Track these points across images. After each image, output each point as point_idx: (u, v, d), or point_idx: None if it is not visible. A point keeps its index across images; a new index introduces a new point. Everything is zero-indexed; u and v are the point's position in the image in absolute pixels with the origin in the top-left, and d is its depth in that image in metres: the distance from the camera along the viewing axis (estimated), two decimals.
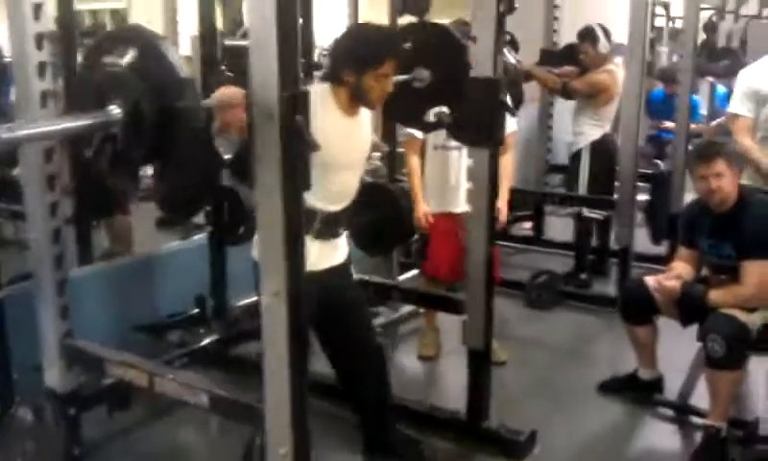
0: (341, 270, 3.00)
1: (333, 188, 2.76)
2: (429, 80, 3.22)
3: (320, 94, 2.63)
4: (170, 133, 2.13)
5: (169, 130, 2.13)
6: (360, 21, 5.93)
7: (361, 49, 2.74)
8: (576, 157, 5.32)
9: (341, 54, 2.77)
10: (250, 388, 2.54)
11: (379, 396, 3.15)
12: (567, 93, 5.43)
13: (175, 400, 2.69)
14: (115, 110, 2.14)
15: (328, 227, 2.86)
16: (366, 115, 2.95)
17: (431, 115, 3.20)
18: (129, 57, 2.13)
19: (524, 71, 5.45)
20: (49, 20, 2.76)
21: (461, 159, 3.97)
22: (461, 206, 4.01)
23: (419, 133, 3.98)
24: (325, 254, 2.85)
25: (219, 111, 2.39)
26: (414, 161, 4.10)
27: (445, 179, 4.03)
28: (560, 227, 6.15)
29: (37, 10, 2.62)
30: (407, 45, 3.07)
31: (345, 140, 2.77)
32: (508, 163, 4.11)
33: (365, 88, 2.73)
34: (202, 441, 3.49)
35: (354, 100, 2.79)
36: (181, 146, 2.15)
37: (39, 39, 2.64)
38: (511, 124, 4.10)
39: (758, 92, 3.92)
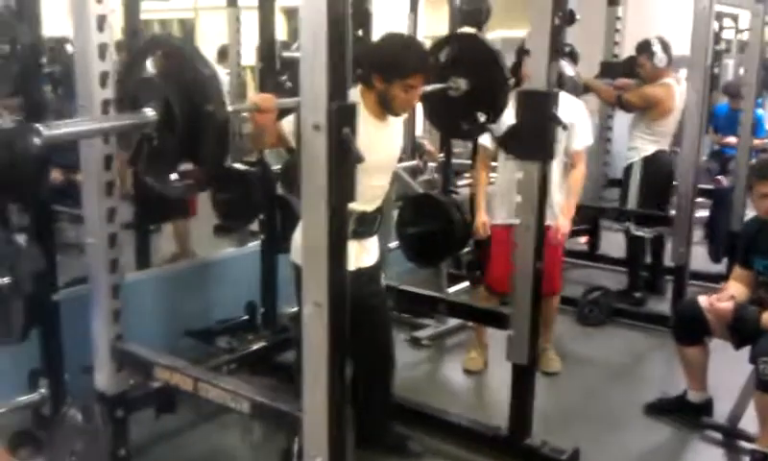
0: (369, 273, 3.09)
1: (363, 189, 2.77)
2: (465, 88, 3.29)
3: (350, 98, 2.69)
4: (198, 131, 2.24)
5: (198, 128, 2.24)
6: (421, 33, 5.99)
7: (390, 59, 2.82)
8: (628, 171, 5.26)
9: (373, 59, 2.87)
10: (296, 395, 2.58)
11: (383, 400, 3.33)
12: (622, 105, 5.36)
13: (220, 405, 2.73)
14: (150, 112, 2.26)
15: (363, 227, 2.97)
16: (397, 121, 3.02)
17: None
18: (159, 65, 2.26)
19: (582, 83, 5.40)
20: (115, 30, 2.84)
21: None
22: None
23: (489, 144, 3.99)
24: (356, 254, 2.89)
25: (252, 115, 2.49)
26: (482, 173, 4.17)
27: (514, 190, 3.99)
28: (616, 242, 6.06)
29: (101, 21, 2.69)
30: (442, 56, 3.20)
31: (374, 144, 2.78)
32: (577, 179, 4.12)
33: (390, 97, 2.84)
34: (245, 446, 3.54)
35: (381, 106, 2.89)
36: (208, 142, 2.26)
37: (103, 49, 2.71)
38: (585, 138, 4.09)
39: None
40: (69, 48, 3.57)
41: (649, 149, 5.14)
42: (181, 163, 2.42)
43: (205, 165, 2.34)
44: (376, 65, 2.84)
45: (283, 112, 2.72)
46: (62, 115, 3.82)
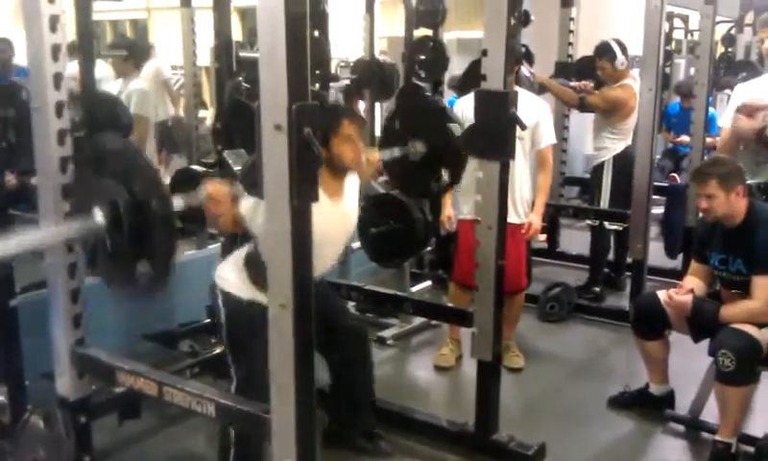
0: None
1: (316, 262, 2.79)
2: (423, 150, 3.38)
3: None
4: (145, 229, 2.28)
5: (144, 226, 2.27)
6: (377, 33, 5.99)
7: None
8: (598, 170, 5.33)
9: None
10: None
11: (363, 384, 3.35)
12: (585, 108, 5.43)
13: (184, 409, 2.70)
14: (98, 216, 2.30)
15: None
16: (352, 193, 3.07)
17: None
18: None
19: (539, 84, 5.45)
20: (68, 31, 2.79)
21: None
22: None
23: None
24: None
25: (207, 205, 2.55)
26: None
27: None
28: (575, 239, 6.14)
29: (54, 21, 2.65)
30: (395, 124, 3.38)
31: (325, 223, 2.81)
32: (546, 177, 4.24)
33: (337, 156, 2.89)
34: (211, 450, 3.50)
35: (335, 173, 2.93)
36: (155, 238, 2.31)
37: (56, 51, 2.67)
38: (549, 137, 4.16)
39: None
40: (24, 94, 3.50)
41: (618, 147, 5.23)
42: (138, 261, 2.40)
43: (155, 261, 2.35)
44: None
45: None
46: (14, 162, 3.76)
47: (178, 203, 2.44)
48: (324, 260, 2.99)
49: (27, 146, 2.87)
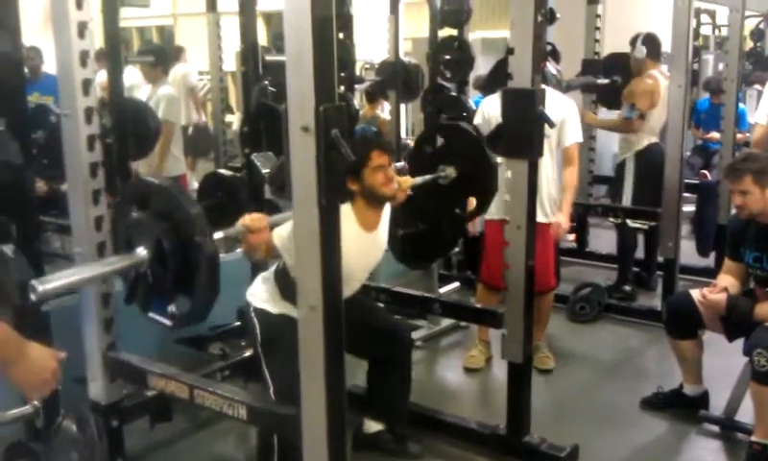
0: None
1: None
2: (454, 175, 3.39)
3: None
4: (189, 265, 2.29)
5: (188, 262, 2.29)
6: (401, 35, 5.99)
7: None
8: (621, 166, 5.27)
9: None
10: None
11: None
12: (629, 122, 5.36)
13: (216, 412, 2.71)
14: (142, 251, 2.32)
15: None
16: (384, 224, 3.10)
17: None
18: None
19: (565, 82, 5.41)
20: (96, 39, 2.81)
21: None
22: None
23: None
24: None
25: (244, 236, 2.57)
26: None
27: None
28: (604, 239, 6.09)
29: (82, 27, 2.67)
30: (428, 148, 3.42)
31: (356, 254, 2.90)
32: (572, 175, 4.19)
33: (370, 186, 2.92)
34: (242, 453, 3.51)
35: (372, 205, 2.96)
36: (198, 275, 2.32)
37: (84, 57, 2.69)
38: (575, 135, 4.11)
39: None
40: (53, 118, 3.51)
41: (642, 143, 5.15)
42: (177, 296, 2.44)
43: (198, 297, 2.39)
44: None
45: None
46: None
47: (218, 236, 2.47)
48: (352, 285, 3.02)
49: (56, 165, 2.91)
